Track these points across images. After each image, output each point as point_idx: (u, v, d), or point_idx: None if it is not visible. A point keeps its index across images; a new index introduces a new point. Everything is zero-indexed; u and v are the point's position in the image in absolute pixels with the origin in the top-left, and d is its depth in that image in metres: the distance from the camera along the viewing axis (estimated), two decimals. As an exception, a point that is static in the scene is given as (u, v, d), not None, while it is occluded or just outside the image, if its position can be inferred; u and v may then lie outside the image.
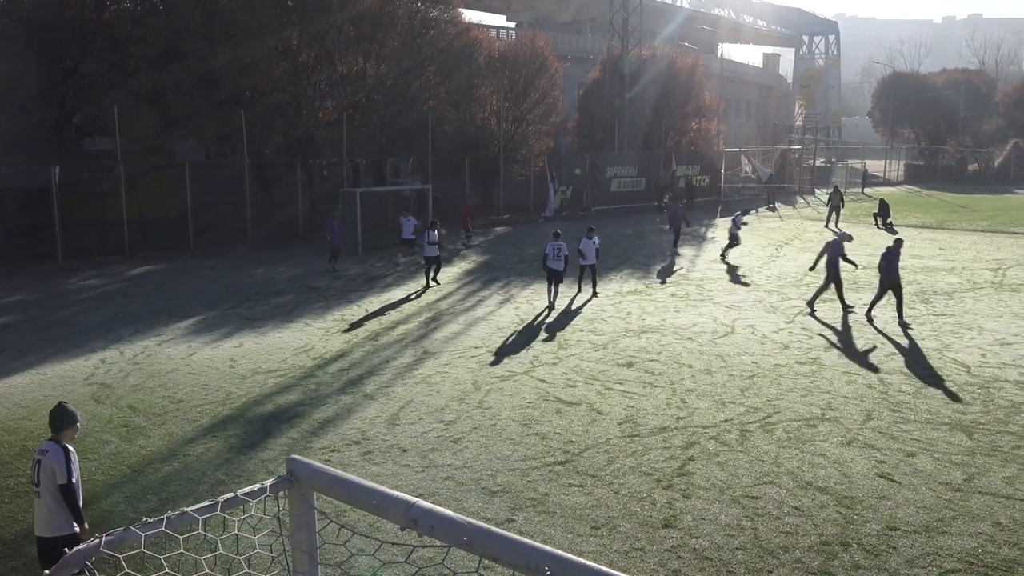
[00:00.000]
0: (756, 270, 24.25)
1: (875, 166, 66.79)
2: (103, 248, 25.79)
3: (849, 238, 19.50)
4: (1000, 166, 67.58)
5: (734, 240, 26.28)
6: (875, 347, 15.46)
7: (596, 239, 20.45)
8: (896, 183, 63.44)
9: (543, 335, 16.48)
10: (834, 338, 16.21)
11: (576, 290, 20.79)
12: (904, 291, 18.24)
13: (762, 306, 19.18)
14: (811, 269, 20.41)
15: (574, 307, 19.23)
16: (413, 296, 20.52)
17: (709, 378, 13.51)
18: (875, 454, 10.24)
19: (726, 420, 11.48)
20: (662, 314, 18.37)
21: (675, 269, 24.62)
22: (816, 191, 54.08)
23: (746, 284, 22.01)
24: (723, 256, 26.21)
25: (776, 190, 47.58)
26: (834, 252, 18.75)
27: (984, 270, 24.05)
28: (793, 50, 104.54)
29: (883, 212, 35.70)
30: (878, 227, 34.73)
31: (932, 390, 12.83)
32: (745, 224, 27.60)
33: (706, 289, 21.34)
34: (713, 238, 31.81)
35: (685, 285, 21.86)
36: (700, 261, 26.14)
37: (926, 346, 15.51)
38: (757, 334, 16.49)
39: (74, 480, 6.39)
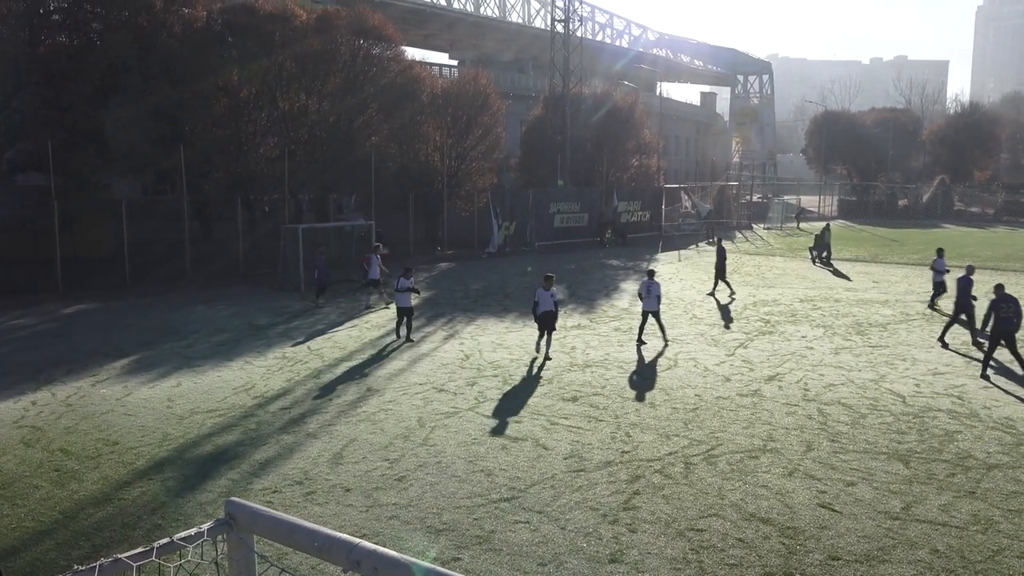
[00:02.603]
0: (697, 304, 24.60)
1: (809, 201, 68.59)
2: (35, 286, 25.06)
3: (973, 270, 19.55)
4: (928, 201, 70.03)
5: (941, 288, 23.63)
6: (814, 379, 15.76)
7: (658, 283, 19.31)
8: (830, 218, 65.12)
9: (488, 371, 16.44)
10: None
11: (647, 341, 19.08)
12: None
13: (703, 339, 19.44)
14: (982, 322, 18.26)
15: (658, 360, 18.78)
16: (389, 350, 18.15)
17: (653, 411, 13.60)
18: (816, 484, 10.40)
19: (670, 453, 11.56)
20: (606, 348, 18.49)
21: (731, 313, 22.69)
22: (754, 226, 55.26)
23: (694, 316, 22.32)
24: (932, 306, 23.58)
25: (715, 225, 48.52)
26: (965, 286, 18.82)
27: (916, 302, 24.76)
28: (729, 89, 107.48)
29: (819, 246, 36.53)
30: (813, 261, 35.55)
31: (869, 420, 13.11)
32: (947, 271, 23.88)
33: (649, 323, 21.53)
34: (655, 272, 32.17)
35: (628, 319, 22.05)
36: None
37: (862, 377, 15.86)
38: (699, 367, 16.68)
39: None
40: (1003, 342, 15.87)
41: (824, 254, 35.04)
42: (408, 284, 19.02)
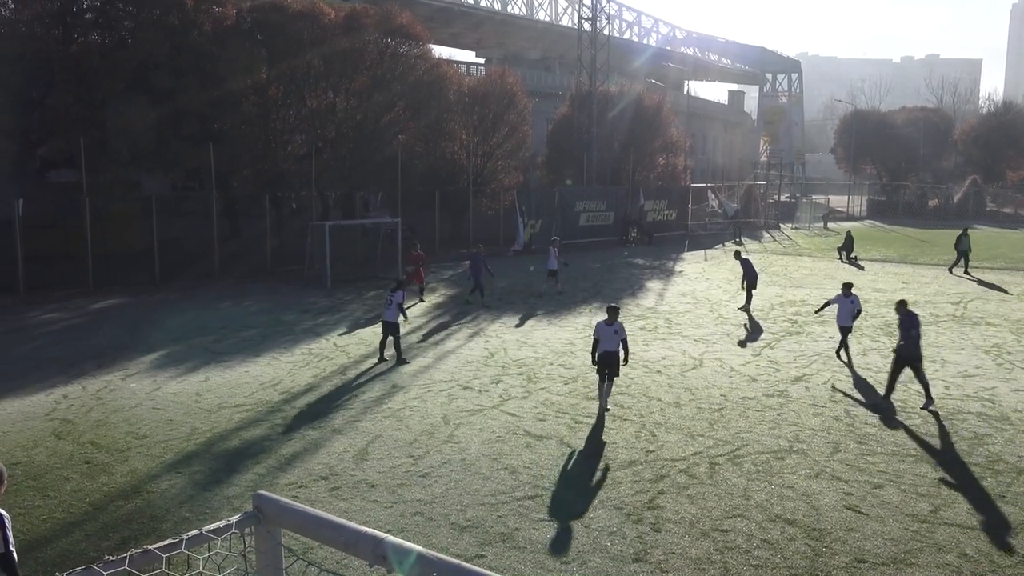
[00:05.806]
0: (723, 304, 24.45)
1: (838, 201, 67.96)
2: (66, 282, 25.39)
3: None
4: (959, 202, 69.01)
5: None
6: (840, 380, 15.61)
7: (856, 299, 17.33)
8: (859, 218, 64.49)
9: (513, 369, 16.44)
10: (802, 372, 16.35)
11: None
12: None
13: (730, 339, 19.32)
14: None
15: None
16: (371, 369, 16.16)
17: (678, 411, 13.54)
18: (843, 486, 10.31)
19: (695, 453, 11.51)
20: (631, 347, 18.40)
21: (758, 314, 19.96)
22: (781, 226, 54.85)
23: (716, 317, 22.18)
24: None
25: (742, 225, 48.20)
26: None
27: (946, 303, 24.45)
28: (757, 87, 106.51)
29: (847, 246, 36.08)
30: (842, 261, 35.20)
31: (897, 422, 12.97)
32: None
33: (674, 323, 21.46)
34: (681, 271, 32.07)
35: (653, 319, 21.97)
36: (668, 295, 26.32)
37: (891, 378, 15.66)
38: (725, 367, 16.59)
39: (11, 547, 5.59)
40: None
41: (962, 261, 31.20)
42: (399, 299, 17.10)
